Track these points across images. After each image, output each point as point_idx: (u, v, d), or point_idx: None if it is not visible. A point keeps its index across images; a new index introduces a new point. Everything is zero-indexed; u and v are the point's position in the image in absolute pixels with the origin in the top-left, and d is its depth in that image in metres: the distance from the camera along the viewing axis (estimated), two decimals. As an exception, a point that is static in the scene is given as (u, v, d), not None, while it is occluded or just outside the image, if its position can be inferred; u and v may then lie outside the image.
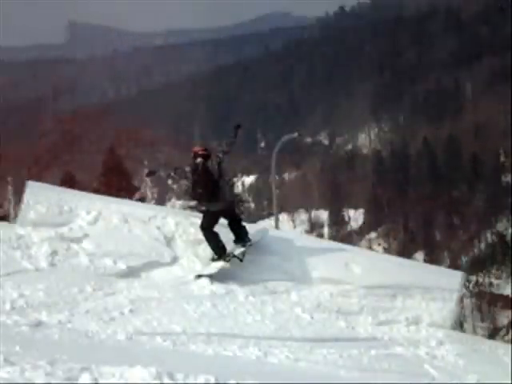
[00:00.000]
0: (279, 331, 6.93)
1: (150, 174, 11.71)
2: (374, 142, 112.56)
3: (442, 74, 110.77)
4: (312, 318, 7.50)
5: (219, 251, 8.97)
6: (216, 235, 9.05)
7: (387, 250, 53.65)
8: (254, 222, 31.74)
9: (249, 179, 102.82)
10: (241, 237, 9.25)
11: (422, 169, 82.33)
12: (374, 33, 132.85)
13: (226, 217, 9.26)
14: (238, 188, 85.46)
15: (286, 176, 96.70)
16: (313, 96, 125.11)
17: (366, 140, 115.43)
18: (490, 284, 57.83)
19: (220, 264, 8.73)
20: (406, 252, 50.55)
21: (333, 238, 62.04)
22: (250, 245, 9.19)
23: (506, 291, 53.62)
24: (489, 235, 70.38)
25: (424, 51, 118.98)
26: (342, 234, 76.47)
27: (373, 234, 76.95)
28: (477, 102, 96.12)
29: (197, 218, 9.57)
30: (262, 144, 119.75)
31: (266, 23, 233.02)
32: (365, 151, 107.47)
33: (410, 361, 6.27)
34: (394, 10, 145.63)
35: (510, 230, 67.69)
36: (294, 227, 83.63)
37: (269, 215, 70.66)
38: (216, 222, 9.12)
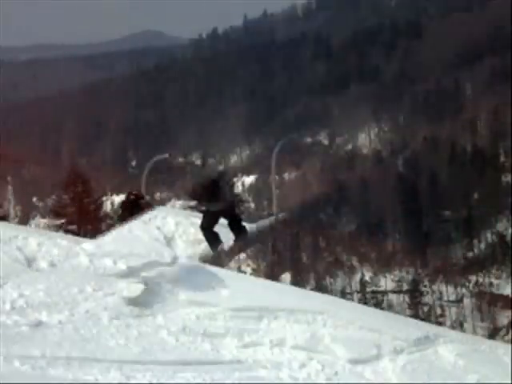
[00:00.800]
0: (143, 354, 6.47)
1: None
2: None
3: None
4: (177, 340, 7.07)
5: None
6: (216, 235, 9.04)
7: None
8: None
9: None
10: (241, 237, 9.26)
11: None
12: (245, 57, 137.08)
13: (226, 217, 9.25)
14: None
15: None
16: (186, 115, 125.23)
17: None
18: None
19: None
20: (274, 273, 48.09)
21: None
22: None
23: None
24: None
25: (295, 76, 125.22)
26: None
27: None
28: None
29: (197, 218, 9.55)
30: (134, 163, 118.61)
31: (141, 41, 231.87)
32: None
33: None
34: (266, 35, 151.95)
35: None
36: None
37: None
38: (216, 221, 9.11)
